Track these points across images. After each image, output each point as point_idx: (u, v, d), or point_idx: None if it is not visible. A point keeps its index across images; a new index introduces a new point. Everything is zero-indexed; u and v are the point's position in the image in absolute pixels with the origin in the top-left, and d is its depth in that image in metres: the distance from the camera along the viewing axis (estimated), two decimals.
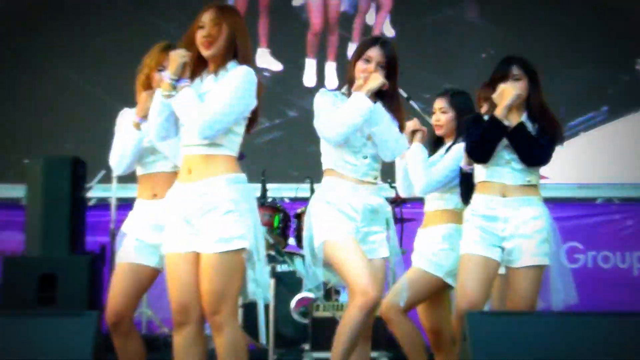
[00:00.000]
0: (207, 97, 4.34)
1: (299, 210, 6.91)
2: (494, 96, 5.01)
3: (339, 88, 4.97)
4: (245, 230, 4.29)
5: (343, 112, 4.65)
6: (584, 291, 8.42)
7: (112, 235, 7.79)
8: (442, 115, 5.63)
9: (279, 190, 7.96)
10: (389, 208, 4.82)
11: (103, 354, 4.42)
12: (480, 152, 5.04)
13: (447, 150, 5.54)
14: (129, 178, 8.56)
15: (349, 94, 4.76)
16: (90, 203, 8.53)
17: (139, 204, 5.10)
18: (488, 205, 5.01)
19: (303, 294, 7.06)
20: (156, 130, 4.46)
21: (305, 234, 4.75)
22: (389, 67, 4.75)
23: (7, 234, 8.57)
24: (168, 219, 4.43)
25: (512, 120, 4.99)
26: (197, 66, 4.45)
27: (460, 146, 5.28)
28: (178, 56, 4.36)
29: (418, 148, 5.41)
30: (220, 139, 4.34)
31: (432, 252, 5.41)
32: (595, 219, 8.83)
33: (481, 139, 5.01)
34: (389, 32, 9.17)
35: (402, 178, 5.55)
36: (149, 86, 5.00)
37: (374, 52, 4.74)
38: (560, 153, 5.15)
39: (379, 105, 4.72)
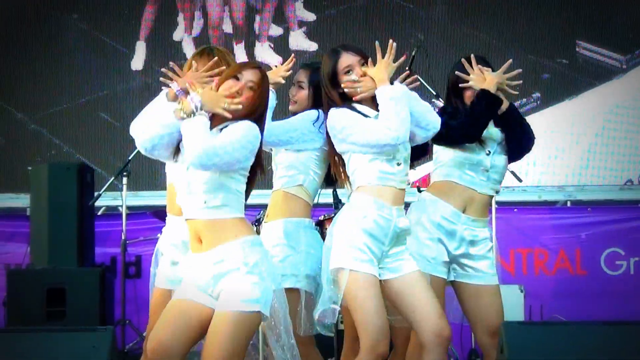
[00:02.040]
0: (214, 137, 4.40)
1: (321, 217, 6.92)
2: (472, 79, 5.06)
3: None
4: (263, 293, 4.32)
5: (386, 110, 4.62)
6: (625, 299, 8.56)
7: (123, 246, 7.84)
8: (299, 90, 5.30)
9: None
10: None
11: None
12: (474, 128, 5.06)
13: None
14: (140, 185, 8.77)
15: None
16: (99, 212, 8.59)
17: (170, 220, 5.12)
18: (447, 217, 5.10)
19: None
20: (150, 136, 4.45)
21: (325, 252, 4.76)
22: (366, 60, 4.77)
23: (11, 246, 8.59)
24: (182, 285, 4.46)
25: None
26: None
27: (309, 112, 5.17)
28: (221, 100, 4.40)
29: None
30: (223, 198, 4.39)
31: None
32: (638, 223, 8.85)
33: (471, 114, 5.03)
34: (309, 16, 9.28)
35: None
36: None
37: (349, 59, 4.77)
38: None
39: (397, 84, 4.74)
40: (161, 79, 4.78)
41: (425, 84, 7.47)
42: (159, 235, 5.33)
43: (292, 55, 5.31)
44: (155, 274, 5.13)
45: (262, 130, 4.48)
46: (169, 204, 5.14)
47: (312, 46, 9.34)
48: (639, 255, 8.76)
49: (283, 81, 5.24)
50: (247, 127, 4.39)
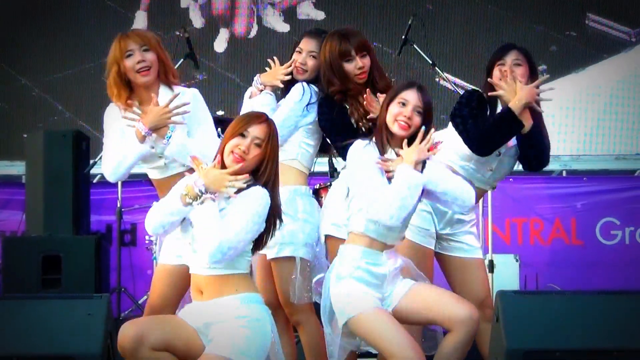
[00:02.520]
0: (226, 219, 4.37)
1: (317, 186, 6.91)
2: (503, 90, 5.01)
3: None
4: (254, 349, 4.33)
5: (396, 190, 4.52)
6: (620, 269, 8.58)
7: (119, 214, 7.85)
8: (310, 59, 5.25)
9: None
10: None
11: (114, 338, 4.49)
12: (489, 146, 5.05)
13: None
14: None
15: (379, 139, 4.70)
16: (95, 180, 8.58)
17: None
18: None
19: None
20: (159, 224, 4.49)
21: (323, 304, 4.72)
22: (426, 113, 4.69)
23: (7, 213, 8.59)
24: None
25: (524, 119, 5.00)
26: None
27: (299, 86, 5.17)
28: (224, 180, 4.40)
29: None
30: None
31: None
32: (633, 193, 8.86)
33: (494, 130, 5.01)
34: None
35: None
36: (125, 82, 4.94)
37: (411, 96, 4.67)
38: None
39: (431, 161, 4.66)
40: (125, 117, 4.86)
41: (422, 53, 7.47)
42: (154, 203, 5.32)
43: (292, 60, 5.27)
44: (158, 251, 5.14)
45: (274, 194, 4.48)
46: (160, 195, 5.07)
47: (320, 15, 9.32)
48: (634, 225, 8.78)
49: (281, 85, 5.23)
50: (259, 202, 4.40)
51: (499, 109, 5.10)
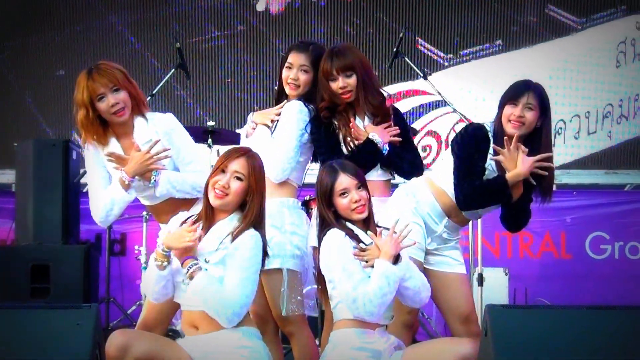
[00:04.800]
0: (229, 282, 4.41)
1: (307, 198, 6.88)
2: (504, 157, 5.00)
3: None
4: None
5: (376, 284, 4.55)
6: (609, 284, 8.59)
7: None
8: (302, 73, 5.26)
9: None
10: None
11: (102, 349, 4.48)
12: (473, 205, 5.10)
13: None
14: None
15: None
16: (85, 189, 8.54)
17: (162, 227, 5.11)
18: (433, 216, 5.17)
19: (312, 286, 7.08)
20: (157, 296, 4.56)
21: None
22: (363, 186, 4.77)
23: None
24: None
25: (514, 190, 5.03)
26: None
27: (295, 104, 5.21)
28: (181, 238, 4.43)
29: None
30: None
31: None
32: (623, 207, 8.88)
33: (482, 191, 5.04)
34: None
35: None
36: (97, 121, 4.96)
37: (346, 182, 4.72)
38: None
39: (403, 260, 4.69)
40: (109, 160, 4.91)
41: (413, 65, 7.48)
42: (144, 213, 5.35)
43: (284, 102, 5.29)
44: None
45: (263, 230, 4.54)
46: (155, 217, 5.22)
47: None
48: (623, 239, 8.80)
49: (271, 124, 5.24)
50: (253, 252, 4.46)
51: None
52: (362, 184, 4.76)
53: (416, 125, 8.83)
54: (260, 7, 9.41)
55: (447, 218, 5.16)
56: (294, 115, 5.16)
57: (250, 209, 4.51)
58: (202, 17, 9.47)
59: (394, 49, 7.41)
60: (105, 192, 4.96)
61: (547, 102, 5.11)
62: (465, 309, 5.12)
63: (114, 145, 5.00)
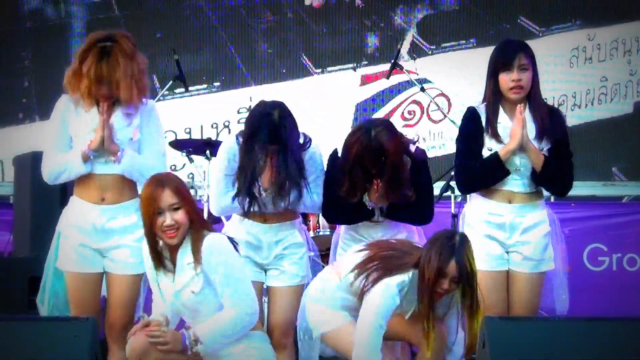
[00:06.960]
0: (228, 300, 4.50)
1: None
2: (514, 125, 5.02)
3: None
4: None
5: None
6: (607, 295, 8.57)
7: None
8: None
9: None
10: None
11: None
12: (478, 185, 5.11)
13: None
14: None
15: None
16: None
17: (82, 206, 5.12)
18: (493, 211, 5.08)
19: None
20: None
21: (299, 322, 4.85)
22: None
23: None
24: None
25: (531, 153, 5.02)
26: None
27: None
28: (154, 348, 4.57)
29: None
30: None
31: None
32: (621, 219, 8.87)
33: (482, 175, 5.06)
34: None
35: None
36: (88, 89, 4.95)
37: (454, 270, 4.65)
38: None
39: None
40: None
41: (410, 77, 7.52)
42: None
43: None
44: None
45: (212, 228, 4.66)
46: (80, 190, 5.17)
47: None
48: (621, 251, 8.78)
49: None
50: (227, 253, 4.55)
51: (500, 116, 5.08)
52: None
53: (402, 96, 9.18)
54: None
55: (508, 204, 5.09)
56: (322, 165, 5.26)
57: (194, 220, 4.56)
58: None
59: (392, 61, 7.48)
60: (62, 156, 4.99)
61: (534, 56, 5.09)
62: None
63: (94, 112, 4.97)
